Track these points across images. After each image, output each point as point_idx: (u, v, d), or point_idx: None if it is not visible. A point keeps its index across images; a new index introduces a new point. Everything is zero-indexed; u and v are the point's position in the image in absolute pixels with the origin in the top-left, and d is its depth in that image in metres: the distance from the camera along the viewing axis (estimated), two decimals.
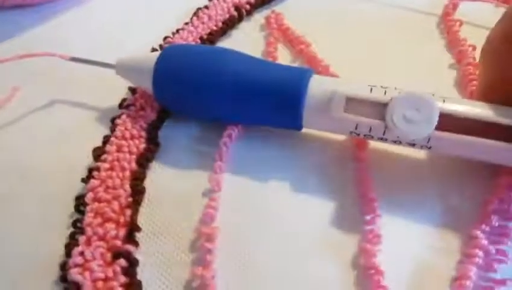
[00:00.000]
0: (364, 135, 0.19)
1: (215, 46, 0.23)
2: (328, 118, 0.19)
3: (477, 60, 0.24)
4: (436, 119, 0.18)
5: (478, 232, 0.18)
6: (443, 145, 0.18)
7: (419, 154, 0.21)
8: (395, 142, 0.19)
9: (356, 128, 0.19)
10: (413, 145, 0.19)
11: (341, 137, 0.21)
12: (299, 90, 0.19)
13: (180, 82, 0.20)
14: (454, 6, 0.28)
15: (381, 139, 0.19)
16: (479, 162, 0.19)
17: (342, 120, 0.19)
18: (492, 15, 0.28)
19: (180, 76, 0.20)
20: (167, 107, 0.22)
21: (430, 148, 0.19)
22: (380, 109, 0.18)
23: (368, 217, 0.18)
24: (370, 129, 0.19)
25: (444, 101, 0.18)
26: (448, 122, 0.18)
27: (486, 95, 0.19)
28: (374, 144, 0.21)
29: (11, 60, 0.22)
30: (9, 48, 0.26)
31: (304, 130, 0.21)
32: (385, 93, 0.18)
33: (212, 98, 0.20)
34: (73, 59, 0.23)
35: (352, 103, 0.19)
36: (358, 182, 0.20)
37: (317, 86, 0.19)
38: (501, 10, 0.29)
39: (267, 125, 0.21)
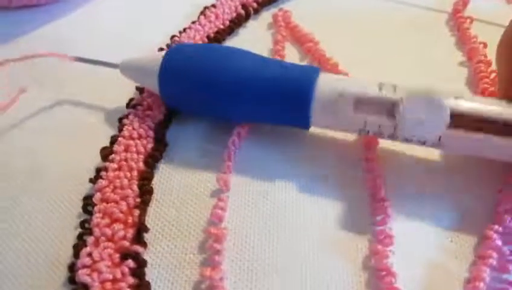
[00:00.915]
0: (374, 133, 0.19)
1: (221, 44, 0.23)
2: (336, 116, 0.19)
3: (489, 57, 0.24)
4: (447, 119, 0.17)
5: (491, 233, 0.17)
6: (455, 143, 0.18)
7: (431, 154, 0.20)
8: (405, 139, 0.18)
9: (365, 126, 0.19)
10: (424, 143, 0.18)
11: (350, 137, 0.21)
12: (307, 89, 0.19)
13: (186, 81, 0.20)
14: (465, 3, 0.28)
15: (391, 137, 0.19)
16: (492, 162, 0.19)
17: (350, 119, 0.19)
18: (504, 11, 0.28)
19: (186, 75, 0.20)
20: (173, 106, 0.22)
21: (441, 146, 0.18)
22: (390, 107, 0.18)
23: (379, 218, 0.18)
24: (379, 127, 0.18)
25: (455, 98, 0.18)
26: (461, 120, 0.17)
27: (507, 93, 0.19)
28: (383, 143, 0.20)
29: (18, 61, 0.22)
30: (16, 48, 0.26)
31: (312, 130, 0.21)
32: (395, 90, 0.18)
33: (218, 96, 0.20)
34: (78, 59, 0.23)
35: (361, 102, 0.18)
36: (368, 182, 0.19)
37: (325, 84, 0.19)
38: None
39: (274, 123, 0.21)
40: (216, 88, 0.20)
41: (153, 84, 0.21)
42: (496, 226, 0.18)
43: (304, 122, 0.20)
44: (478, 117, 0.18)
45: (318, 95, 0.19)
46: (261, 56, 0.21)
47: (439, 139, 0.18)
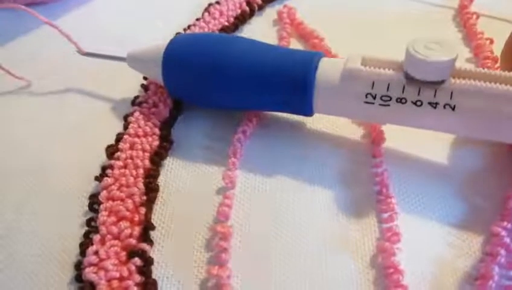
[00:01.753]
0: (382, 98, 0.18)
1: (223, 34, 0.23)
2: (340, 95, 0.18)
3: (495, 53, 0.24)
4: (457, 49, 0.17)
5: (499, 230, 0.17)
6: (467, 102, 0.17)
7: (438, 150, 0.20)
8: (414, 103, 0.18)
9: (373, 87, 0.18)
10: (435, 106, 0.17)
11: (357, 135, 0.21)
12: (309, 73, 0.19)
13: (189, 69, 0.20)
14: None
15: (400, 101, 0.18)
16: (500, 159, 0.19)
17: (357, 78, 0.18)
18: (510, 7, 0.28)
19: (189, 63, 0.20)
20: (177, 96, 0.22)
21: (454, 108, 0.17)
22: (398, 64, 0.18)
23: (386, 215, 0.18)
24: (388, 87, 0.18)
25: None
26: (466, 74, 0.18)
27: None
28: (390, 140, 0.20)
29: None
30: (22, 45, 0.27)
31: (318, 127, 0.21)
32: None
33: (221, 83, 0.20)
34: (88, 54, 0.23)
35: (369, 61, 0.18)
36: (375, 179, 0.19)
37: (327, 67, 0.19)
38: None
39: (278, 110, 0.21)
40: (218, 75, 0.20)
41: (157, 74, 0.21)
42: (505, 223, 0.17)
43: (307, 108, 0.19)
44: (481, 72, 0.17)
45: (320, 79, 0.19)
46: (263, 43, 0.21)
47: (451, 97, 0.17)
